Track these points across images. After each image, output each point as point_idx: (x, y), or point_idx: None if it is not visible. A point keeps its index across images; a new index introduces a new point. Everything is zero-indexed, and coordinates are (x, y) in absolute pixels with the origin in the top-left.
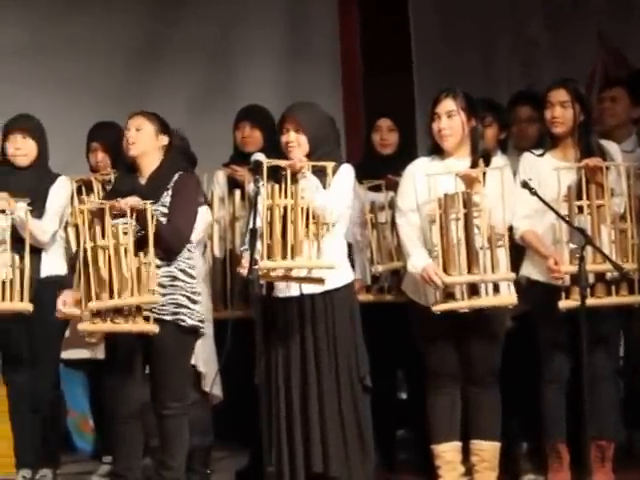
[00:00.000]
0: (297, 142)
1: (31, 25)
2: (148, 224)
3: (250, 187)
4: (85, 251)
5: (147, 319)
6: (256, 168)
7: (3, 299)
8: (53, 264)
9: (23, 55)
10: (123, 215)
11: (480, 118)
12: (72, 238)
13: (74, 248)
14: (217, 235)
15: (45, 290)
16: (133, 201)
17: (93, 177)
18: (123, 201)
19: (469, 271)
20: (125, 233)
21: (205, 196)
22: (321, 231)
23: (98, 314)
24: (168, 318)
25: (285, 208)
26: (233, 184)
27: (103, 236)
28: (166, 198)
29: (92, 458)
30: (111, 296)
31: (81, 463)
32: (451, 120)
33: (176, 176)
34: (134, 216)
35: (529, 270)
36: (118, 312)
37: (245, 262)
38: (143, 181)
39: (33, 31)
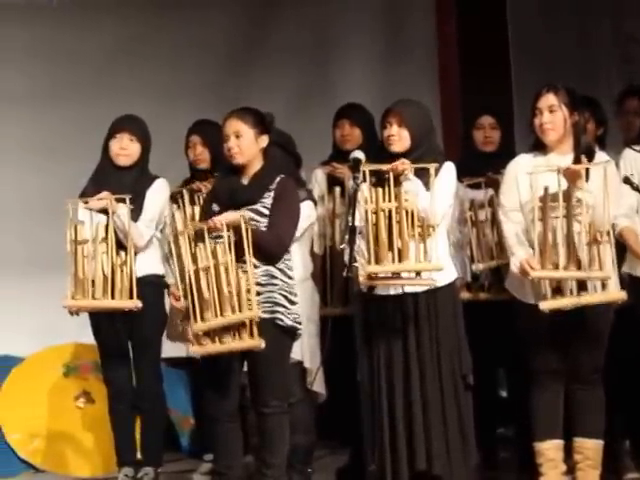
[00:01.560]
0: (399, 136)
1: (126, 30)
2: (244, 238)
3: (350, 184)
4: (189, 275)
5: (252, 334)
6: (355, 165)
7: (106, 296)
8: (149, 263)
9: (118, 60)
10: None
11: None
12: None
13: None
14: (317, 232)
15: (143, 289)
16: (229, 219)
17: (185, 189)
18: (218, 220)
19: (567, 268)
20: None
21: (309, 191)
22: (426, 232)
23: (206, 335)
24: (266, 316)
25: (389, 211)
26: (332, 182)
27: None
28: (267, 199)
29: (193, 456)
30: (215, 315)
31: (182, 461)
32: (553, 115)
33: (278, 178)
34: (231, 231)
35: (631, 266)
36: (224, 330)
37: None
38: (245, 181)
39: (129, 36)
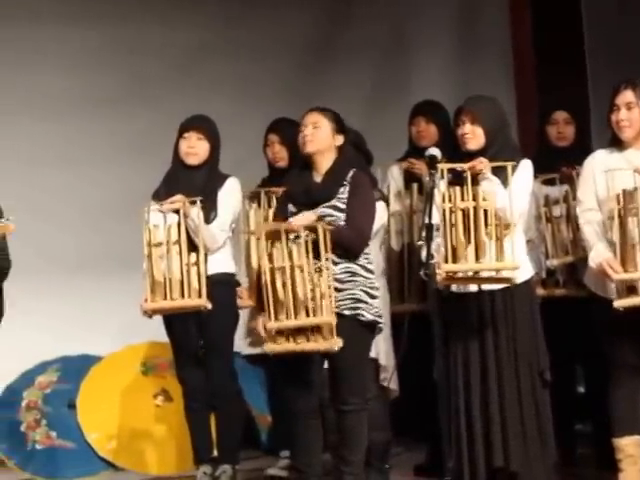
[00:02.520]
0: (472, 134)
1: (207, 29)
2: (320, 242)
3: (426, 181)
4: (264, 273)
5: (326, 336)
6: (432, 163)
7: (180, 296)
8: (221, 262)
9: (199, 58)
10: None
11: None
12: (253, 246)
13: (253, 255)
14: (394, 229)
15: (215, 287)
16: (306, 222)
17: (263, 191)
18: (296, 222)
19: None
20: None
21: (381, 192)
22: (503, 231)
23: (281, 333)
24: (347, 313)
25: (467, 210)
26: (409, 178)
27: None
28: (343, 194)
29: (269, 453)
30: (289, 316)
31: (259, 459)
32: (630, 112)
33: (351, 172)
34: (309, 234)
35: None
36: (299, 331)
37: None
38: (318, 178)
39: (210, 35)
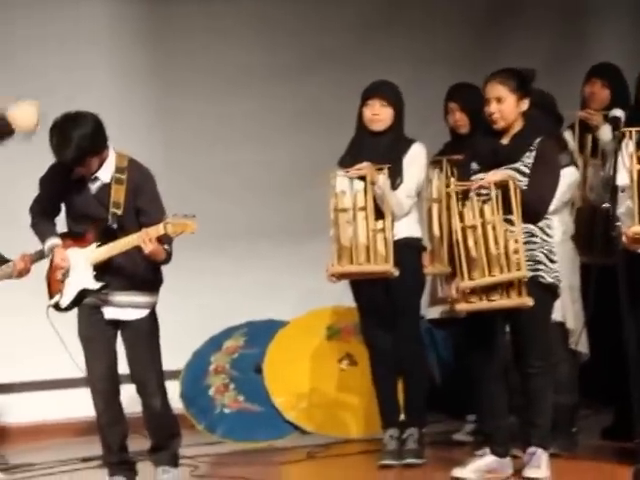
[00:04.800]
0: None
1: None
2: (511, 197)
3: (605, 141)
4: (455, 232)
5: (520, 293)
6: (614, 124)
7: (366, 261)
8: (407, 227)
9: (374, 27)
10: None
11: None
12: (434, 213)
13: (435, 222)
14: None
15: (401, 251)
16: (497, 177)
17: (445, 159)
18: (487, 179)
19: None
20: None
21: (572, 154)
22: None
23: (472, 292)
24: (528, 274)
25: None
26: (583, 129)
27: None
28: (528, 159)
29: (456, 417)
30: (482, 274)
31: (446, 422)
32: None
33: (538, 139)
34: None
35: None
36: (491, 289)
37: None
38: (505, 141)
39: (385, 3)
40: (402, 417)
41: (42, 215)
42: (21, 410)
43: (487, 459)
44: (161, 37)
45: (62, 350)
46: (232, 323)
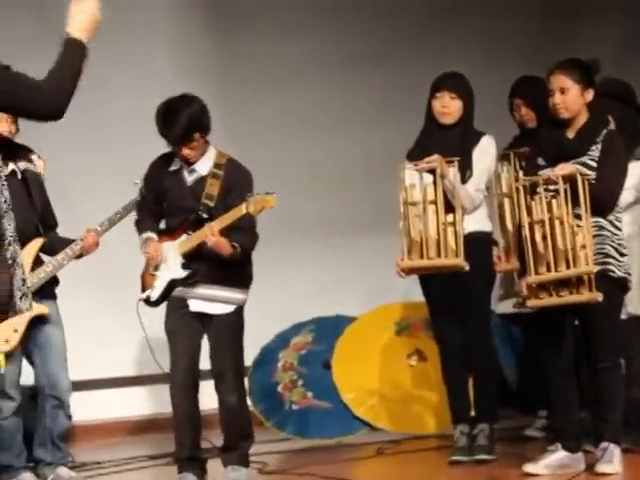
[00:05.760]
0: None
1: None
2: (579, 191)
3: None
4: (523, 227)
5: (589, 288)
6: None
7: (436, 256)
8: (477, 220)
9: (441, 17)
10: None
11: None
12: (507, 208)
13: (508, 218)
14: None
15: (471, 246)
16: (565, 171)
17: (512, 152)
18: (555, 173)
19: None
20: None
21: None
22: None
23: (542, 288)
24: (597, 268)
25: None
26: None
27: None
28: (595, 152)
29: (527, 412)
30: (550, 269)
31: (516, 418)
32: None
33: (605, 131)
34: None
35: None
36: (561, 284)
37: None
38: (571, 134)
39: None
40: (472, 413)
41: (145, 213)
42: (84, 408)
43: (559, 454)
44: (226, 26)
45: (126, 348)
46: (300, 319)
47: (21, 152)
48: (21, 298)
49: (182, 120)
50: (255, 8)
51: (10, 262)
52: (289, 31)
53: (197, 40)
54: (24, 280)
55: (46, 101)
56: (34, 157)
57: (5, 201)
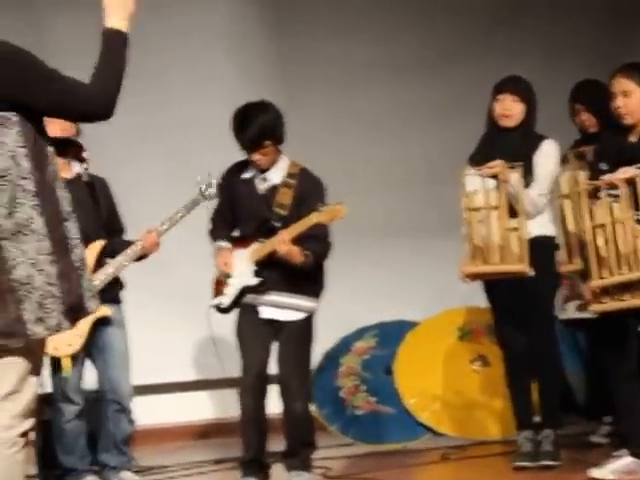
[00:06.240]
0: None
1: None
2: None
3: None
4: (585, 232)
5: None
6: None
7: (500, 261)
8: (540, 225)
9: (502, 21)
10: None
11: None
12: (567, 208)
13: (569, 219)
14: None
15: (535, 250)
16: (627, 175)
17: (571, 153)
18: (616, 177)
19: None
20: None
21: None
22: None
23: (605, 292)
24: None
25: None
26: None
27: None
28: None
29: (591, 418)
30: (612, 272)
31: (581, 424)
32: None
33: None
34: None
35: None
36: (623, 288)
37: None
38: (633, 138)
39: None
40: (537, 418)
41: (218, 222)
42: (150, 412)
43: (625, 460)
44: (287, 31)
45: (191, 353)
46: (363, 324)
47: (77, 151)
48: (90, 299)
49: (255, 126)
50: (317, 11)
51: (77, 264)
52: (353, 34)
53: (259, 43)
54: (91, 281)
55: (93, 101)
56: (85, 154)
57: (69, 203)
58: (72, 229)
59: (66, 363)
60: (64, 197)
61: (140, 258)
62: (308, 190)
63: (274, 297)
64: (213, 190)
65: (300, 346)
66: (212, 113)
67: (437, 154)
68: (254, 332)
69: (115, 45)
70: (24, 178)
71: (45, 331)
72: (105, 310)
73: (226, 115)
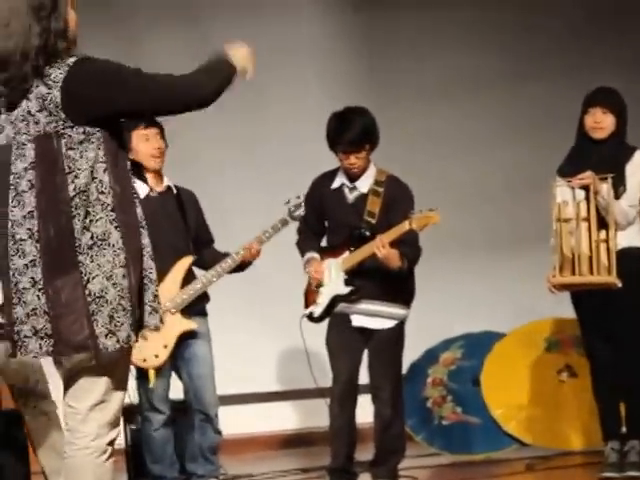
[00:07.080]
0: None
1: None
2: None
3: None
4: None
5: None
6: None
7: (588, 272)
8: (629, 236)
9: (583, 34)
10: None
11: None
12: None
13: None
14: None
15: (624, 261)
16: None
17: None
18: None
19: None
20: None
21: None
22: None
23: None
24: None
25: None
26: None
27: None
28: None
29: None
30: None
31: None
32: None
33: None
34: None
35: None
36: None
37: None
38: None
39: (592, 9)
40: (624, 429)
41: (306, 233)
42: (238, 421)
43: None
44: (372, 44)
45: (280, 363)
46: (449, 335)
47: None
48: (150, 313)
49: (357, 126)
50: (398, 22)
51: (145, 280)
52: (443, 48)
53: (344, 56)
54: (156, 296)
55: (188, 87)
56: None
57: (141, 217)
58: (145, 242)
59: (151, 375)
60: (140, 211)
61: (234, 270)
62: (397, 197)
63: (366, 305)
64: (302, 211)
65: (392, 353)
66: (303, 132)
67: (533, 164)
68: (344, 341)
69: (221, 63)
70: (102, 193)
71: (116, 344)
72: (191, 324)
73: (316, 131)
